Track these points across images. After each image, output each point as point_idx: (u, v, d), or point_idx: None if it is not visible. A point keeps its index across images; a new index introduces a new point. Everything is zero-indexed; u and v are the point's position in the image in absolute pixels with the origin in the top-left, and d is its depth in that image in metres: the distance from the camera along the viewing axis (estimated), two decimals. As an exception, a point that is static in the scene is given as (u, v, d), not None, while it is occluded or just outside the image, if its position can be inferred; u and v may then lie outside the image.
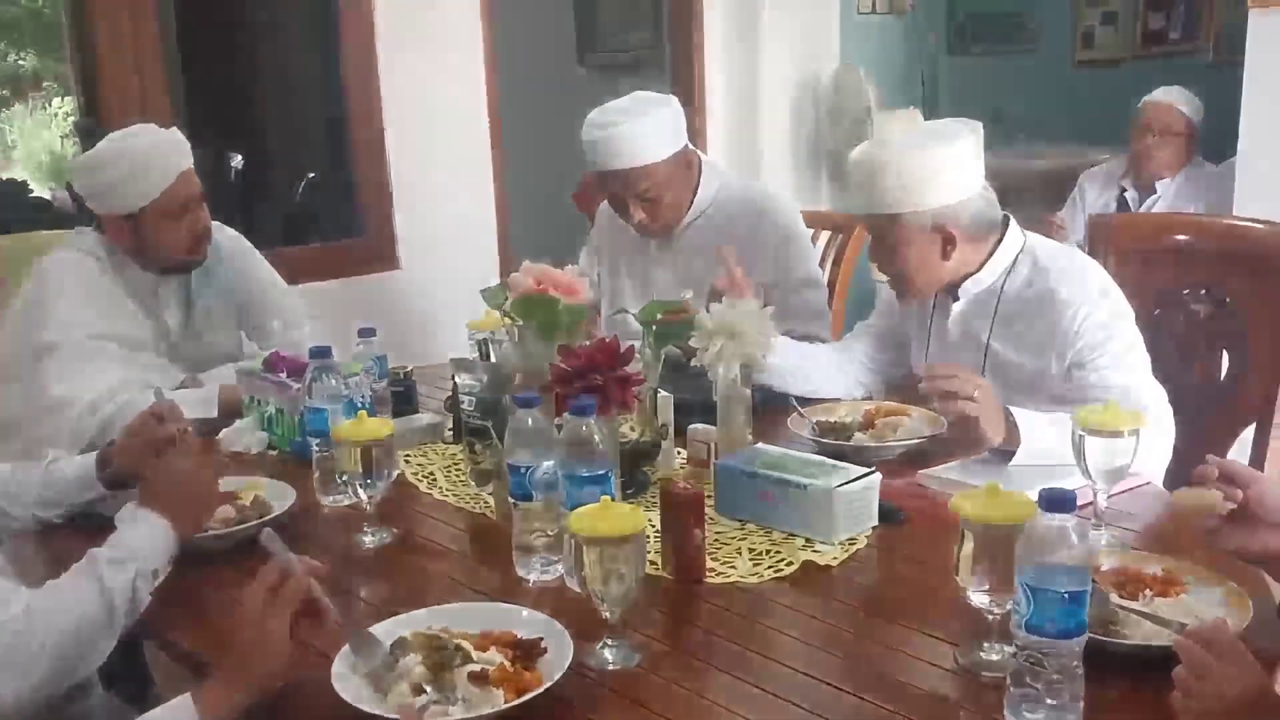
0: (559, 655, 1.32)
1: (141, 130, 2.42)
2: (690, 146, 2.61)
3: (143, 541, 1.49)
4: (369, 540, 1.78)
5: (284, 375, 2.18)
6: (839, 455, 1.87)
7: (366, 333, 2.34)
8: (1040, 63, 5.95)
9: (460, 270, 3.71)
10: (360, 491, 1.76)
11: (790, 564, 1.63)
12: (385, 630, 1.37)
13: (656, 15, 5.38)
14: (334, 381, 1.95)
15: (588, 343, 1.79)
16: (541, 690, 1.26)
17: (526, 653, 1.33)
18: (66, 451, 2.03)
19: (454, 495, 1.97)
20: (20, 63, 8.09)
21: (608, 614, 1.37)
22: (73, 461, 1.86)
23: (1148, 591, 1.41)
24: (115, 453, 1.82)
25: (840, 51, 4.86)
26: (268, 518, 1.77)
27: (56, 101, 8.02)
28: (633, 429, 2.02)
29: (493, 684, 1.26)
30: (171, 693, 1.31)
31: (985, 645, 1.34)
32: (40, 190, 6.25)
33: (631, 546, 1.33)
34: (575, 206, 4.65)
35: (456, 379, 2.07)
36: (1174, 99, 3.86)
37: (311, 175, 5.03)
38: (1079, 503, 1.20)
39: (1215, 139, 3.81)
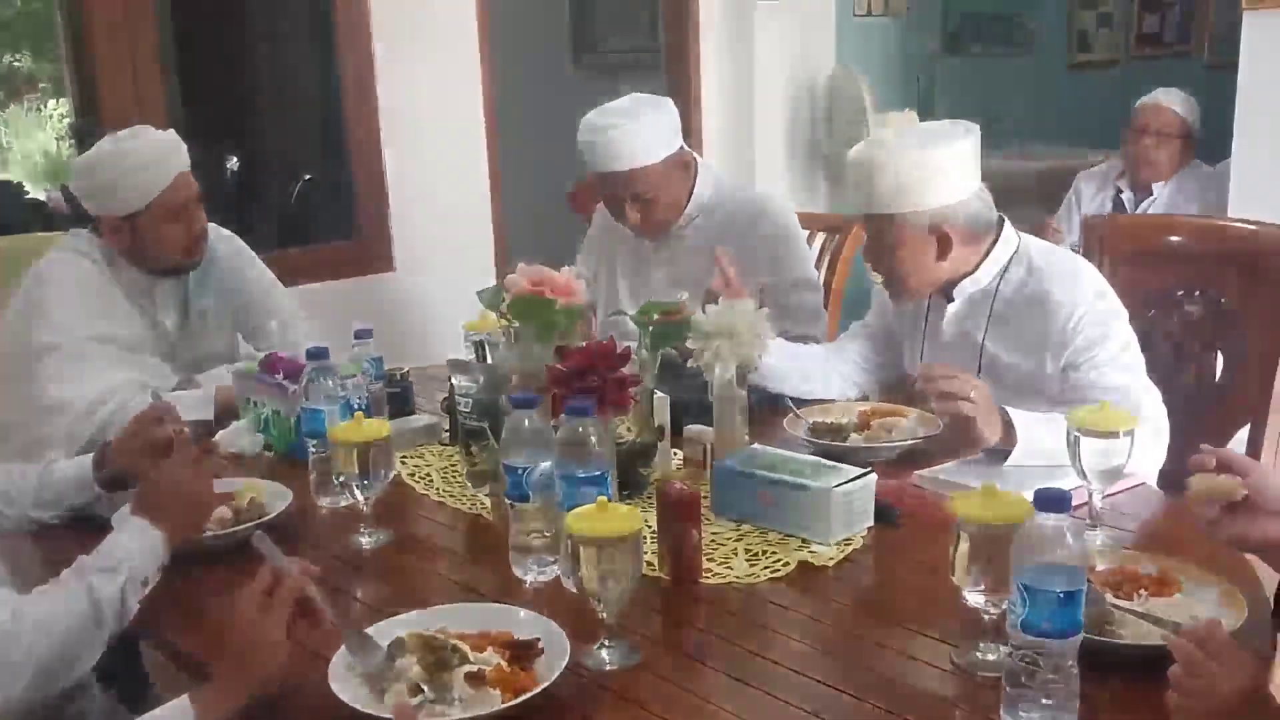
0: (556, 656, 1.32)
1: (139, 132, 2.41)
2: (686, 148, 2.61)
3: (133, 550, 1.48)
4: (366, 541, 1.78)
5: (281, 377, 2.18)
6: (835, 456, 1.88)
7: (363, 334, 2.34)
8: (1035, 65, 5.96)
9: (456, 272, 3.71)
10: (357, 493, 1.76)
11: (786, 564, 1.63)
12: (382, 631, 1.37)
13: (652, 17, 5.38)
14: (331, 383, 1.96)
15: (584, 344, 1.79)
16: (538, 691, 1.27)
17: (523, 653, 1.33)
18: (63, 453, 2.03)
19: (451, 496, 1.97)
20: (15, 63, 8.07)
21: (604, 614, 1.37)
22: (69, 463, 1.86)
23: (1143, 591, 1.42)
24: (112, 454, 1.82)
25: (836, 53, 4.86)
26: (264, 519, 1.77)
27: (51, 103, 8.01)
28: (629, 430, 2.03)
29: (490, 684, 1.26)
30: (169, 693, 1.31)
31: (981, 645, 1.35)
32: (36, 192, 6.24)
33: (628, 547, 1.33)
34: (571, 207, 4.64)
35: (453, 380, 2.07)
36: (1170, 101, 3.87)
37: (307, 177, 5.03)
38: (1074, 503, 1.20)
39: (1210, 140, 3.82)
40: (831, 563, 1.64)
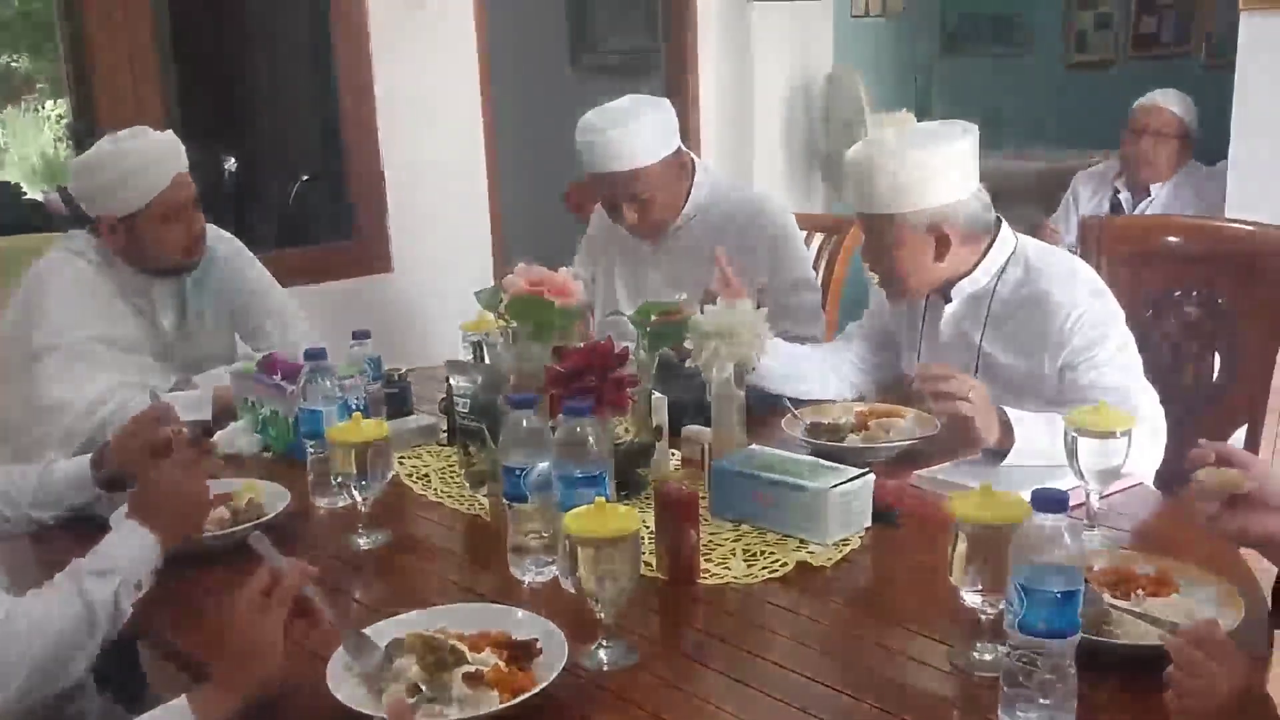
0: (554, 656, 1.32)
1: (137, 133, 2.41)
2: (683, 148, 2.61)
3: (127, 553, 1.48)
4: (364, 542, 1.78)
5: (279, 377, 2.18)
6: (833, 456, 1.88)
7: (361, 335, 2.35)
8: (1033, 65, 5.97)
9: (454, 272, 3.71)
10: (355, 493, 1.76)
11: (784, 565, 1.63)
12: (381, 631, 1.37)
13: (650, 17, 5.39)
14: (329, 383, 1.96)
15: (582, 344, 1.80)
16: (536, 691, 1.27)
17: (521, 653, 1.33)
18: (61, 453, 2.03)
19: (449, 497, 1.97)
20: (13, 64, 8.07)
21: (602, 615, 1.37)
22: (68, 463, 1.86)
23: (1140, 591, 1.42)
24: (110, 454, 1.82)
25: (834, 53, 4.87)
26: (262, 519, 1.77)
27: (49, 104, 8.01)
28: (627, 430, 2.03)
29: (488, 685, 1.26)
30: (167, 694, 1.31)
31: (979, 645, 1.35)
32: (33, 193, 6.23)
33: (626, 547, 1.34)
34: (568, 207, 4.65)
35: (451, 381, 2.07)
36: (1167, 102, 3.87)
37: (305, 178, 5.03)
38: (1071, 503, 1.20)
39: (1207, 141, 3.82)
40: (829, 563, 1.64)
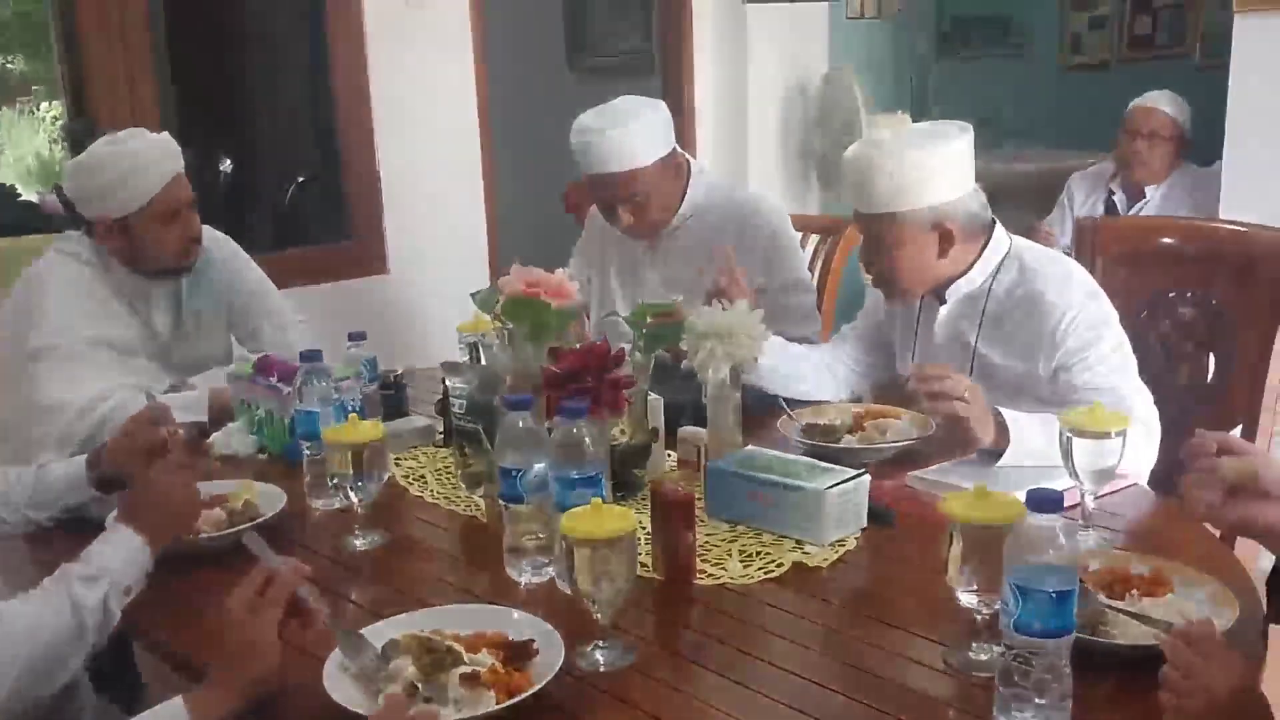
0: (550, 657, 1.33)
1: (133, 135, 2.41)
2: (679, 150, 2.61)
3: (116, 558, 1.48)
4: (360, 543, 1.78)
5: (275, 379, 2.18)
6: (828, 457, 1.88)
7: (357, 336, 2.34)
8: (1028, 66, 5.98)
9: (450, 273, 3.71)
10: (351, 494, 1.76)
11: (780, 565, 1.64)
12: (377, 632, 1.37)
13: (646, 19, 5.39)
14: (325, 385, 1.95)
15: (578, 345, 1.80)
16: (533, 692, 1.27)
17: (518, 654, 1.34)
18: (57, 455, 2.03)
19: (445, 498, 1.97)
20: (8, 66, 8.05)
21: (599, 615, 1.37)
22: (64, 463, 1.86)
23: (1135, 591, 1.42)
24: (106, 455, 1.82)
25: (829, 55, 4.87)
26: (258, 521, 1.77)
27: (45, 105, 8.00)
28: (623, 432, 2.03)
29: (484, 685, 1.26)
30: (162, 695, 1.31)
31: (974, 645, 1.35)
32: (28, 194, 6.22)
33: (622, 548, 1.34)
34: (565, 209, 4.65)
35: (447, 382, 2.07)
36: (1162, 103, 3.88)
37: (301, 179, 5.02)
38: (1066, 504, 1.21)
39: (1202, 142, 3.83)
40: (825, 564, 1.64)
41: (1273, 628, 1.38)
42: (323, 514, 1.92)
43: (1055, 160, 5.10)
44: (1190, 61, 5.47)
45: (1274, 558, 1.35)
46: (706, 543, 1.71)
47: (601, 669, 1.37)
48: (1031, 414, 1.90)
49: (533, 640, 1.36)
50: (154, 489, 1.59)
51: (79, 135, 3.40)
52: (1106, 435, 1.60)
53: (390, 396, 2.32)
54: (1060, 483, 1.58)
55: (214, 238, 2.63)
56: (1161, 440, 1.97)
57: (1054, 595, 1.15)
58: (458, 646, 1.31)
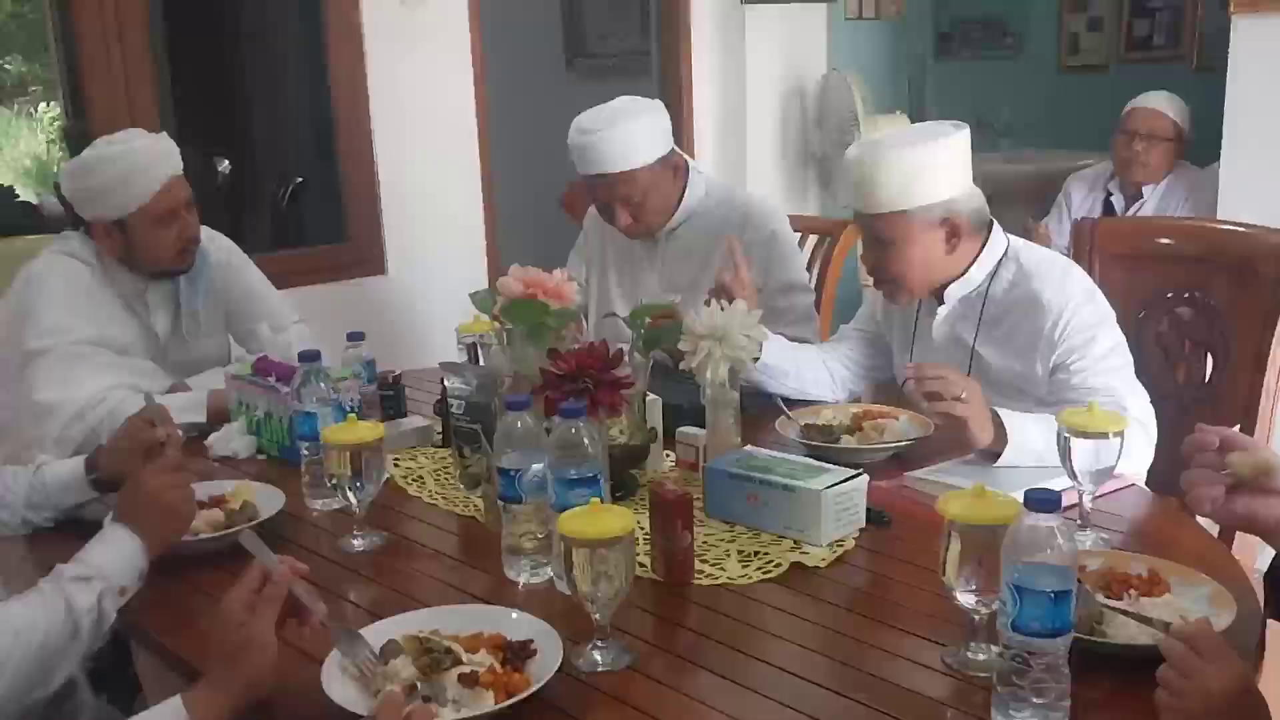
0: (549, 657, 1.33)
1: (131, 136, 2.41)
2: (677, 150, 2.61)
3: (110, 558, 1.48)
4: (358, 543, 1.78)
5: (273, 379, 2.18)
6: (827, 458, 1.88)
7: (355, 337, 2.35)
8: (1026, 67, 5.98)
9: (449, 275, 3.71)
10: (350, 495, 1.76)
11: (779, 565, 1.64)
12: (376, 633, 1.37)
13: (644, 20, 5.39)
14: (323, 385, 1.96)
15: (577, 346, 1.80)
16: (531, 692, 1.27)
17: (516, 654, 1.34)
18: (54, 456, 2.03)
19: (443, 498, 1.97)
20: (6, 66, 8.05)
21: (597, 616, 1.37)
22: (62, 464, 1.86)
23: (1132, 591, 1.42)
24: (104, 456, 1.82)
25: (828, 56, 4.87)
26: (256, 521, 1.77)
27: (43, 106, 7.99)
28: (622, 432, 2.03)
29: (482, 686, 1.27)
30: (160, 696, 1.31)
31: (972, 645, 1.35)
32: (26, 195, 6.22)
33: (621, 548, 1.34)
34: (564, 210, 4.65)
35: (446, 382, 2.07)
36: (1160, 104, 3.88)
37: (299, 180, 5.02)
38: (1064, 504, 1.21)
39: (1199, 143, 3.84)
40: (824, 564, 1.64)
41: (1271, 627, 1.38)
42: (321, 515, 1.92)
43: (1053, 161, 5.10)
44: (1187, 63, 5.47)
45: (1271, 556, 1.36)
46: (705, 543, 1.71)
47: (600, 669, 1.37)
48: (1029, 414, 1.91)
49: (531, 640, 1.36)
50: (144, 489, 1.58)
51: (77, 136, 3.40)
52: (1105, 435, 1.60)
53: (389, 397, 2.32)
54: (1058, 483, 1.58)
55: (212, 238, 2.63)
56: (1160, 441, 1.98)
57: (1052, 595, 1.15)
58: (456, 647, 1.31)
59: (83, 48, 3.24)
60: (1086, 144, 4.88)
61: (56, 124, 7.33)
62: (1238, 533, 2.09)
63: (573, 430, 1.54)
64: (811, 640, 1.47)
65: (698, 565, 1.63)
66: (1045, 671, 1.18)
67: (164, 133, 2.48)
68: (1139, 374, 2.05)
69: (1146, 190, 3.91)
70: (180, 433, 1.86)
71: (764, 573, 1.62)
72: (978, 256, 2.09)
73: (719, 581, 1.60)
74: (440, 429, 2.22)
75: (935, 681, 1.34)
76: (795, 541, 1.70)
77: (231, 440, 2.21)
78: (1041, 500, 1.17)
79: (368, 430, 1.77)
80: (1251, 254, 2.26)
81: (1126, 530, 1.74)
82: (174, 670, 1.50)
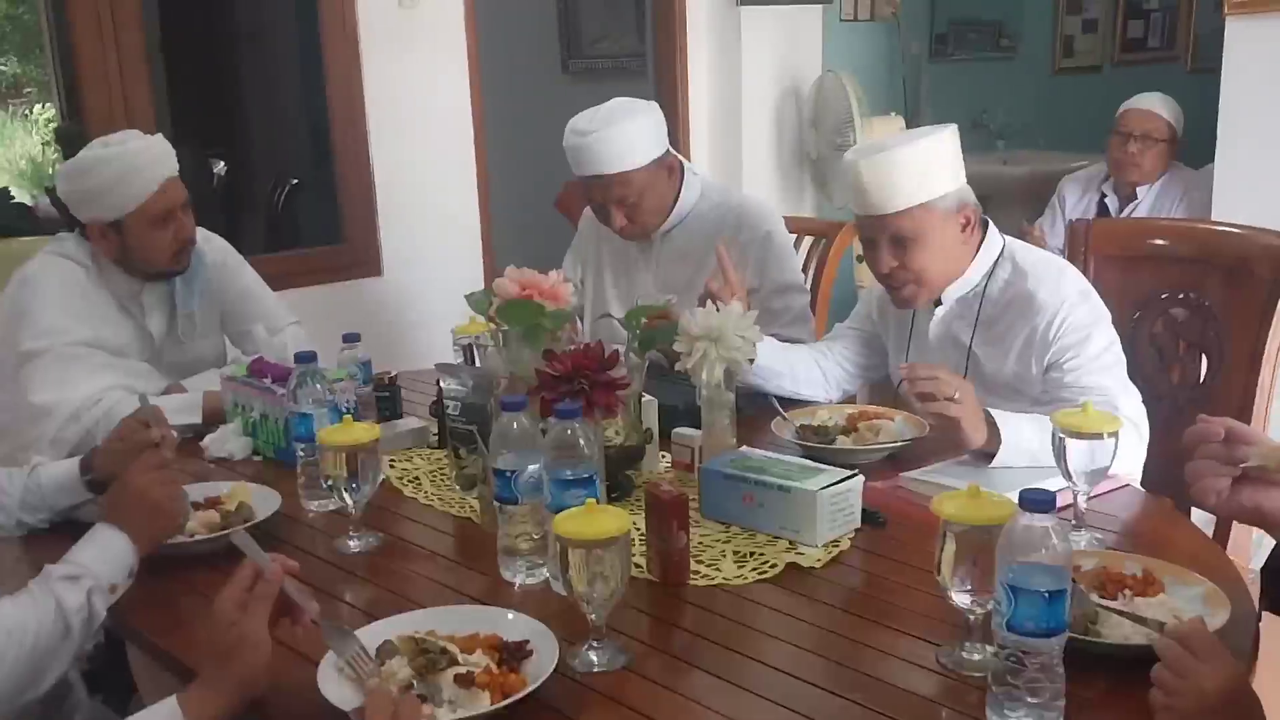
0: (545, 657, 1.33)
1: (127, 137, 2.41)
2: (672, 152, 2.62)
3: (98, 556, 1.48)
4: (354, 545, 1.78)
5: (268, 381, 2.18)
6: (822, 458, 1.88)
7: (351, 338, 2.35)
8: (1021, 69, 5.99)
9: (444, 276, 3.71)
10: (345, 496, 1.76)
11: (774, 566, 1.64)
12: (371, 634, 1.37)
13: (640, 21, 5.40)
14: (319, 387, 1.96)
15: (572, 347, 1.80)
16: (527, 692, 1.27)
17: (512, 655, 1.34)
18: (49, 457, 2.03)
19: (439, 499, 1.97)
20: (1, 68, 8.04)
21: (593, 616, 1.37)
22: (57, 465, 1.86)
23: (1127, 591, 1.43)
24: (100, 457, 1.82)
25: (823, 58, 4.88)
26: (251, 522, 1.77)
27: (38, 108, 7.99)
28: (617, 433, 2.03)
29: (478, 686, 1.27)
30: (155, 697, 1.31)
31: (967, 645, 1.36)
32: (21, 197, 6.22)
33: (616, 549, 1.34)
34: (559, 211, 4.65)
35: (441, 384, 2.07)
36: (1153, 105, 3.89)
37: (294, 182, 5.02)
38: (1059, 504, 1.21)
39: (1193, 144, 3.85)
40: (819, 564, 1.65)
41: (1264, 626, 1.39)
42: (317, 516, 1.92)
43: (1047, 162, 5.11)
44: (1181, 64, 5.49)
45: (1267, 556, 1.36)
46: (700, 544, 1.71)
47: (595, 669, 1.37)
48: (1023, 414, 1.91)
49: (527, 641, 1.36)
50: (130, 488, 1.58)
51: (72, 138, 3.40)
52: (1099, 436, 1.60)
53: (384, 398, 2.32)
54: (1053, 483, 1.58)
55: (208, 240, 2.63)
56: (1154, 441, 1.98)
57: (1046, 595, 1.15)
58: (452, 647, 1.31)
59: (78, 49, 3.24)
60: (1081, 145, 4.90)
61: (51, 125, 7.33)
62: (1231, 533, 2.10)
63: (568, 431, 1.54)
64: (807, 640, 1.47)
65: (693, 566, 1.63)
66: (1040, 671, 1.18)
67: (159, 134, 2.48)
68: (1134, 375, 2.05)
69: (1141, 191, 3.92)
70: (175, 434, 1.86)
71: (759, 573, 1.62)
72: (975, 257, 2.10)
73: (714, 582, 1.60)
74: (436, 430, 2.22)
75: (930, 681, 1.34)
76: (790, 542, 1.70)
77: (227, 442, 2.21)
78: (1036, 500, 1.17)
79: (363, 431, 1.77)
80: (1246, 255, 2.26)
81: (1121, 530, 1.75)
82: (169, 671, 1.50)
